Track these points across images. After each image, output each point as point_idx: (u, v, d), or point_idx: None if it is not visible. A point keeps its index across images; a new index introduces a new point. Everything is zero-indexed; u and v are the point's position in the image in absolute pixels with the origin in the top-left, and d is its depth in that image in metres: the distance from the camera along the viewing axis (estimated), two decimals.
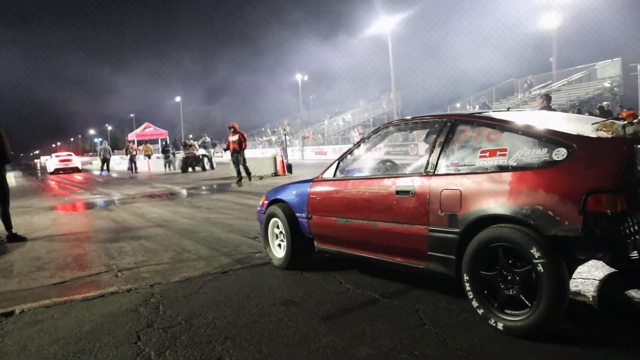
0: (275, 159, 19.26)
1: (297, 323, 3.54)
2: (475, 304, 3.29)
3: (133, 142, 39.42)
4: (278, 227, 5.12)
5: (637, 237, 2.89)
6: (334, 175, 4.58)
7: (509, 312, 3.15)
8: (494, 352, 2.93)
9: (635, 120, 3.06)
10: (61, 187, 20.56)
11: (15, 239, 7.46)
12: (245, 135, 16.78)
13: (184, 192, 14.80)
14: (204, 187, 15.99)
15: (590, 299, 3.80)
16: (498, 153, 3.34)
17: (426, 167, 3.71)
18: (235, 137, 16.05)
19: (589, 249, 2.93)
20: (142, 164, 32.18)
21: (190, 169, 26.60)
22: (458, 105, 39.79)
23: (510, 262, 3.14)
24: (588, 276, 4.23)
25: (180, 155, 28.08)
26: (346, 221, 4.30)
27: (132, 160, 30.07)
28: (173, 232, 7.62)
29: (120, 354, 3.21)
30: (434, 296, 3.89)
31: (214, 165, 27.59)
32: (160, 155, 31.78)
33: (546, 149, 3.11)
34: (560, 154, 3.04)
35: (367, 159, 4.60)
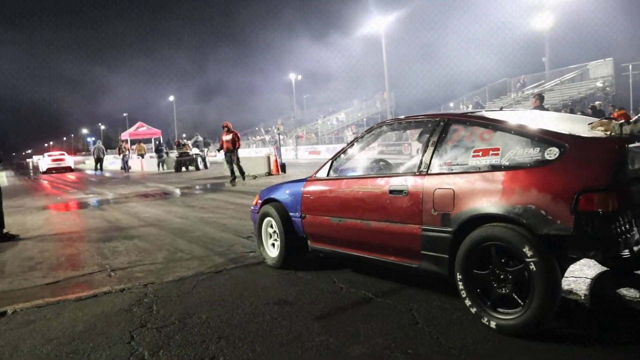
0: (269, 158, 19.24)
1: (291, 322, 3.54)
2: (468, 302, 3.30)
3: (126, 141, 39.26)
4: (272, 227, 5.12)
5: (629, 235, 2.92)
6: (328, 174, 4.59)
7: (501, 310, 3.17)
8: (486, 351, 2.95)
9: (632, 120, 3.09)
10: (54, 187, 20.46)
11: (6, 238, 7.42)
12: (239, 134, 16.75)
13: (178, 191, 14.76)
14: (197, 187, 15.96)
15: (582, 297, 3.82)
16: (491, 152, 3.35)
17: (419, 167, 3.72)
18: (229, 137, 16.02)
19: (581, 247, 2.95)
20: (135, 163, 32.07)
21: (183, 169, 26.52)
22: (451, 104, 39.89)
23: (503, 261, 3.16)
24: (580, 275, 4.26)
25: (174, 154, 27.99)
26: (340, 220, 4.31)
27: (125, 160, 29.97)
28: (167, 231, 7.60)
29: (114, 354, 3.20)
30: (427, 295, 3.91)
31: (208, 164, 27.53)
32: (154, 154, 31.67)
33: (538, 148, 3.13)
34: (552, 153, 3.06)
35: (360, 159, 4.61)
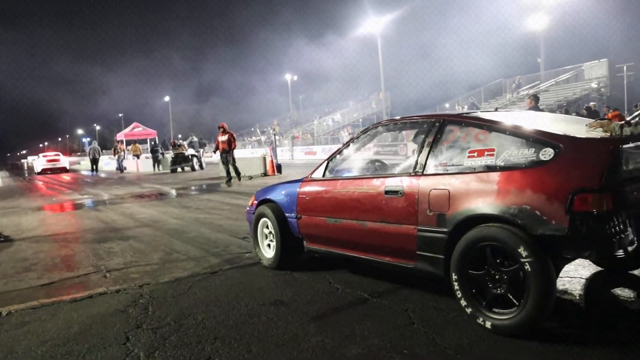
0: (264, 159, 19.23)
1: (287, 323, 3.54)
2: (463, 303, 3.31)
3: (121, 142, 39.15)
4: (267, 227, 5.12)
5: (623, 236, 2.93)
6: (323, 175, 4.59)
7: (496, 310, 3.18)
8: (482, 351, 2.95)
9: (633, 122, 3.10)
10: (49, 188, 20.39)
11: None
12: (234, 135, 16.73)
13: (173, 192, 14.74)
14: (193, 187, 15.94)
15: (577, 297, 3.84)
16: (486, 153, 3.36)
17: (415, 167, 3.72)
18: (224, 137, 16.00)
19: (576, 247, 2.96)
20: (131, 164, 31.98)
21: (179, 169, 26.47)
22: (447, 105, 40.00)
23: (498, 261, 3.17)
24: (575, 275, 4.27)
25: (170, 155, 27.93)
26: (335, 221, 4.31)
27: (120, 161, 29.89)
28: (162, 232, 7.59)
29: (109, 355, 3.20)
30: (423, 295, 3.91)
31: (203, 165, 27.48)
32: (149, 155, 31.59)
33: (533, 149, 3.14)
34: (547, 154, 3.07)
35: (356, 159, 4.61)
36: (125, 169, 30.21)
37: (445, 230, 3.41)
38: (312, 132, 48.60)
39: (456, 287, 3.34)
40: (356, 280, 4.46)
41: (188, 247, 6.36)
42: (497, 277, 3.18)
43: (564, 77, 34.06)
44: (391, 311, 3.66)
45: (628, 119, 3.19)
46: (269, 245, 5.15)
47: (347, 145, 4.62)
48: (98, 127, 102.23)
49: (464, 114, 3.91)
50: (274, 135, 31.92)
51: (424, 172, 3.65)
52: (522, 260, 2.97)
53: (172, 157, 26.82)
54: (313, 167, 4.81)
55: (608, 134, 3.14)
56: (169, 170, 26.50)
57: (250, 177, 17.51)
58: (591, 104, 21.24)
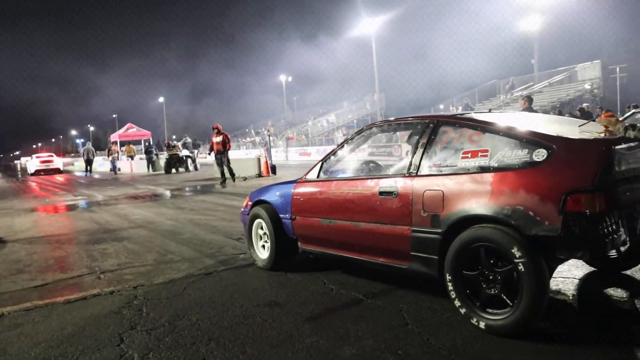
0: (259, 160, 19.22)
1: (281, 324, 3.55)
2: (457, 303, 3.32)
3: (115, 143, 39.03)
4: (262, 228, 5.12)
5: (615, 236, 2.95)
6: (318, 176, 4.59)
7: (490, 311, 3.19)
8: (476, 351, 2.96)
9: (639, 125, 3.13)
10: (42, 189, 20.29)
11: None
12: (229, 136, 16.72)
13: (168, 193, 14.71)
14: (187, 188, 15.91)
15: (570, 297, 3.86)
16: (480, 154, 3.37)
17: (409, 168, 3.73)
18: (219, 138, 15.98)
19: (569, 248, 2.98)
20: (125, 165, 31.89)
21: (173, 170, 26.43)
22: (441, 106, 40.06)
23: (491, 261, 3.18)
24: (568, 275, 4.29)
25: (164, 156, 27.87)
26: (330, 222, 4.32)
27: (113, 162, 29.80)
28: (156, 233, 7.57)
29: (103, 356, 3.19)
30: (417, 296, 3.92)
31: (198, 166, 27.44)
32: (143, 156, 31.51)
33: (527, 149, 3.16)
34: (540, 154, 3.09)
35: (350, 160, 4.62)
36: (119, 170, 30.11)
37: (439, 231, 3.42)
38: (307, 133, 48.62)
39: (450, 287, 3.35)
40: (351, 281, 4.46)
41: (182, 248, 6.35)
42: (490, 277, 3.19)
43: (557, 79, 34.21)
44: (385, 312, 3.66)
45: (621, 118, 3.22)
46: (263, 246, 5.15)
47: (341, 146, 4.62)
48: (92, 128, 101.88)
49: (458, 115, 3.93)
50: (269, 136, 31.84)
51: (418, 173, 3.66)
52: (516, 260, 2.99)
53: (167, 158, 26.77)
54: (307, 168, 4.81)
55: (605, 133, 3.18)
56: (163, 171, 26.44)
57: (245, 178, 17.49)
58: (584, 105, 21.34)
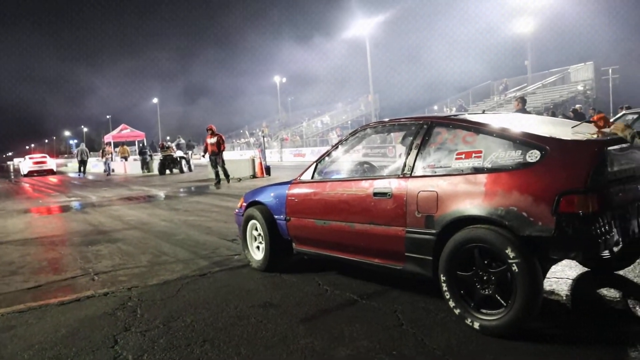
0: (253, 161, 19.20)
1: (276, 325, 3.55)
2: (452, 304, 3.34)
3: (109, 144, 38.88)
4: (256, 230, 5.12)
5: (608, 236, 2.97)
6: (312, 177, 4.59)
7: (484, 311, 3.20)
8: (470, 351, 2.97)
9: None
10: (35, 190, 20.19)
11: None
12: (223, 137, 16.68)
13: (162, 194, 14.67)
14: (181, 190, 15.87)
15: (564, 297, 3.88)
16: (473, 155, 3.39)
17: (403, 169, 3.74)
18: (213, 140, 15.95)
19: (562, 248, 2.99)
20: (119, 166, 31.78)
21: (167, 171, 26.35)
22: (435, 107, 40.15)
23: (486, 262, 3.20)
24: (561, 275, 4.32)
25: (158, 157, 27.79)
26: (324, 223, 4.32)
27: (107, 163, 29.70)
28: (151, 234, 7.55)
29: (97, 358, 3.18)
30: (412, 297, 3.93)
31: (192, 167, 27.39)
32: (137, 157, 31.42)
33: (520, 151, 3.17)
34: (533, 155, 3.10)
35: (345, 161, 4.62)
36: (113, 171, 30.01)
37: (434, 231, 3.43)
38: (301, 134, 48.62)
39: (445, 288, 3.36)
40: (345, 282, 4.47)
41: (177, 249, 6.33)
42: (485, 278, 3.21)
43: (550, 80, 34.36)
44: (380, 312, 3.67)
45: (612, 119, 3.25)
46: (258, 248, 5.14)
47: (335, 147, 4.63)
48: (85, 129, 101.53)
49: (452, 116, 3.94)
50: (263, 137, 31.85)
51: (412, 174, 3.67)
52: (510, 261, 3.00)
53: (161, 159, 26.70)
54: (302, 169, 4.81)
55: (598, 134, 3.21)
56: (157, 172, 26.37)
57: (239, 179, 17.47)
58: (577, 106, 21.46)
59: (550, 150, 3.07)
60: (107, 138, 44.24)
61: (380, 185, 3.86)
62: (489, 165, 3.27)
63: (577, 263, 4.42)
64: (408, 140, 3.95)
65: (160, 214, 9.89)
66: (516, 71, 39.16)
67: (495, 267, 3.15)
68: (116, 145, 39.13)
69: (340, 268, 4.78)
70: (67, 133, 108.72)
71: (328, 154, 4.63)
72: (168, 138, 57.60)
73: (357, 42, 42.85)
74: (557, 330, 3.24)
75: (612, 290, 3.98)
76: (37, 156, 37.91)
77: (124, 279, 5.03)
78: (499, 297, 3.14)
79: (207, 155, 16.69)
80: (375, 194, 3.86)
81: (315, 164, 4.65)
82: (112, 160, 30.83)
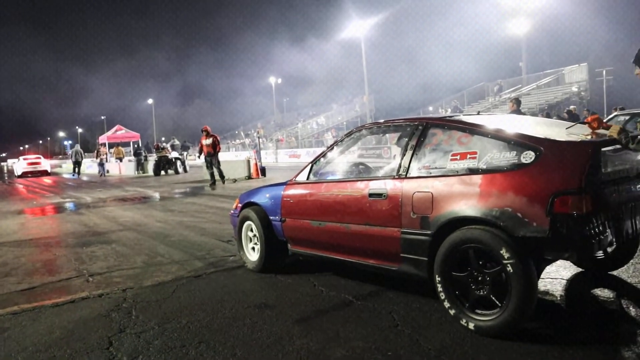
0: (249, 162, 19.19)
1: (272, 326, 3.54)
2: (447, 304, 3.34)
3: (104, 145, 38.74)
4: (252, 231, 5.11)
5: (602, 237, 2.99)
6: (308, 178, 4.60)
7: (479, 312, 3.21)
8: (465, 352, 2.98)
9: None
10: (30, 191, 20.10)
11: None
12: (218, 138, 16.66)
13: (157, 195, 14.64)
14: (177, 191, 15.84)
15: (558, 298, 3.89)
16: (468, 156, 3.40)
17: (398, 170, 3.75)
18: (209, 141, 15.92)
19: (556, 249, 3.00)
20: (113, 167, 31.69)
21: (162, 172, 26.30)
22: (431, 108, 40.25)
23: (480, 263, 3.20)
24: (556, 276, 4.33)
25: (153, 158, 27.74)
26: (320, 224, 4.32)
27: (101, 164, 29.61)
28: (145, 236, 7.53)
29: None
30: (407, 297, 3.94)
31: (187, 168, 27.35)
32: (132, 158, 31.34)
33: (515, 152, 3.18)
34: (528, 156, 3.12)
35: (340, 162, 4.62)
36: (107, 172, 29.92)
37: (429, 232, 3.43)
38: (296, 135, 48.59)
39: (440, 288, 3.37)
40: (341, 282, 4.47)
41: (172, 250, 6.32)
42: (479, 278, 3.21)
43: (545, 81, 34.49)
44: (375, 313, 3.68)
45: (604, 120, 3.27)
46: (253, 249, 5.14)
47: (331, 148, 4.63)
48: (80, 130, 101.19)
49: (447, 117, 3.95)
50: (258, 138, 31.85)
51: (408, 175, 3.67)
52: (504, 261, 3.01)
53: (156, 160, 26.64)
54: (297, 170, 4.81)
55: (592, 135, 3.23)
56: (152, 174, 26.31)
57: (235, 180, 17.45)
58: (571, 107, 21.55)
59: (544, 151, 3.08)
60: (102, 139, 44.02)
61: (375, 186, 3.86)
62: (484, 166, 3.28)
63: (571, 263, 4.43)
64: (403, 141, 3.96)
65: (155, 215, 9.87)
66: (511, 72, 39.39)
67: (490, 267, 3.16)
68: (111, 146, 38.97)
69: (335, 269, 4.78)
70: (61, 134, 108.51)
71: (323, 155, 4.64)
72: (163, 139, 57.45)
73: (353, 43, 42.96)
74: (552, 331, 3.25)
75: (606, 290, 3.99)
76: (32, 157, 37.78)
77: (119, 280, 5.01)
78: (493, 298, 3.15)
79: (202, 157, 16.67)
80: (370, 195, 3.86)
81: (310, 165, 4.65)
82: (106, 161, 30.74)
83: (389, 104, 50.46)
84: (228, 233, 6.95)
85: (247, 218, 5.13)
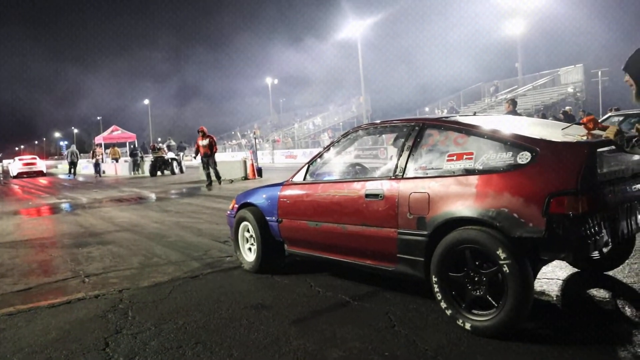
0: (245, 162, 19.17)
1: (268, 326, 3.54)
2: (443, 305, 3.35)
3: (100, 145, 38.66)
4: (248, 231, 5.11)
5: (598, 237, 3.00)
6: (304, 178, 4.60)
7: (476, 312, 3.22)
8: (461, 352, 2.99)
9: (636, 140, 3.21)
10: (25, 192, 20.03)
11: None
12: (215, 138, 16.65)
13: (153, 196, 14.61)
14: (173, 191, 15.81)
15: (554, 298, 3.90)
16: (465, 157, 3.40)
17: (395, 171, 3.75)
18: (205, 142, 15.91)
19: (553, 249, 3.01)
20: (109, 167, 31.62)
21: (159, 173, 26.25)
22: (427, 109, 40.33)
23: (477, 263, 3.21)
24: (552, 276, 4.34)
25: (149, 158, 27.70)
26: (316, 224, 4.32)
27: (97, 164, 29.54)
28: (142, 236, 7.52)
29: None
30: (404, 298, 3.94)
31: (183, 169, 27.31)
32: (128, 158, 31.29)
33: (511, 152, 3.19)
34: (524, 157, 3.12)
35: (336, 163, 4.63)
36: (103, 172, 29.85)
37: (425, 233, 3.44)
38: (293, 135, 48.59)
39: (436, 289, 3.38)
40: (337, 283, 4.47)
41: (168, 251, 6.31)
42: (476, 279, 3.22)
43: (541, 82, 34.59)
44: (372, 314, 3.68)
45: (599, 120, 3.28)
46: (250, 249, 5.14)
47: (327, 149, 4.63)
48: (76, 131, 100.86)
49: (443, 118, 3.96)
50: (255, 138, 31.84)
51: (404, 176, 3.68)
52: (501, 262, 3.02)
53: (152, 161, 26.59)
54: (294, 171, 4.81)
55: (588, 136, 3.24)
56: (148, 174, 26.26)
57: (231, 181, 17.44)
58: (567, 108, 21.62)
59: (540, 151, 3.09)
60: (98, 139, 43.94)
61: (372, 186, 3.87)
62: (480, 167, 3.29)
63: (567, 264, 4.45)
64: (400, 141, 3.96)
65: (152, 216, 9.85)
66: (507, 73, 39.50)
67: (486, 268, 3.17)
68: (107, 146, 38.89)
69: (332, 269, 4.78)
70: (57, 134, 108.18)
71: (320, 155, 4.64)
72: (159, 139, 57.42)
73: (349, 44, 42.98)
74: (548, 331, 3.26)
75: (602, 290, 4.01)
76: (27, 157, 37.63)
77: (115, 281, 5.00)
78: (490, 298, 3.16)
79: (198, 157, 16.65)
80: (367, 196, 3.87)
81: (307, 165, 4.65)
82: (102, 161, 30.66)
83: (386, 104, 50.58)
84: (225, 234, 6.95)
85: (243, 219, 5.13)
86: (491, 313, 3.12)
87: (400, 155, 3.79)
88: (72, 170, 29.84)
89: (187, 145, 41.27)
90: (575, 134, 3.43)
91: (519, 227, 3.00)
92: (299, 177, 4.65)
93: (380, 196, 3.76)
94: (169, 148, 28.82)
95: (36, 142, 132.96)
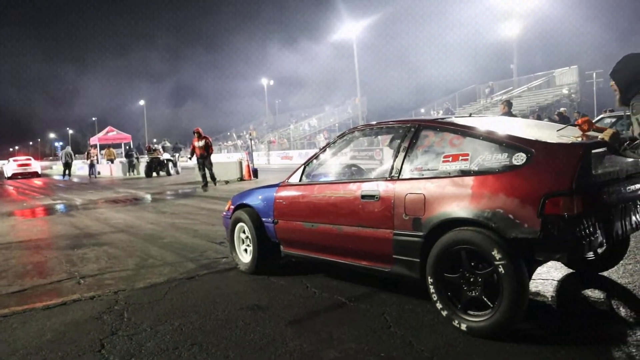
0: (241, 163, 19.17)
1: (264, 328, 3.54)
2: (439, 305, 3.36)
3: (95, 146, 38.53)
4: (244, 232, 5.11)
5: (592, 238, 3.01)
6: (300, 179, 4.60)
7: (471, 313, 3.23)
8: (457, 352, 2.99)
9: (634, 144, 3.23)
10: (20, 193, 19.95)
11: None
12: (210, 139, 16.64)
13: (149, 197, 14.57)
14: (168, 192, 15.79)
15: (549, 299, 3.92)
16: (460, 158, 3.41)
17: (391, 172, 3.76)
18: (201, 143, 15.89)
19: (547, 250, 3.02)
20: (105, 168, 31.53)
21: (154, 174, 26.20)
22: (422, 110, 40.42)
23: (472, 264, 3.22)
24: (547, 277, 4.36)
25: (145, 159, 27.64)
26: (312, 225, 4.33)
27: (92, 165, 29.45)
28: (137, 237, 7.50)
29: None
30: (400, 299, 3.95)
31: (179, 170, 27.27)
32: (124, 159, 31.20)
33: (506, 153, 3.21)
34: (519, 158, 3.14)
35: (332, 164, 4.63)
36: (99, 173, 29.76)
37: (421, 234, 3.45)
38: (289, 136, 48.59)
39: (432, 290, 3.38)
40: (333, 284, 4.47)
41: (164, 252, 6.30)
42: (471, 279, 3.23)
43: (536, 83, 34.72)
44: (368, 315, 3.68)
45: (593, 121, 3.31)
46: (245, 250, 5.13)
47: (323, 150, 4.64)
48: (71, 131, 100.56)
49: (439, 119, 3.97)
50: (250, 139, 31.85)
51: (400, 177, 3.69)
52: (496, 263, 3.03)
53: (147, 162, 26.53)
54: (289, 172, 4.82)
55: (583, 137, 3.26)
56: (143, 175, 26.20)
57: (227, 182, 17.43)
58: (562, 109, 21.67)
59: (535, 153, 3.10)
60: (93, 140, 43.74)
61: (367, 187, 3.87)
62: (476, 168, 3.30)
63: (562, 265, 4.46)
64: (395, 143, 3.97)
65: (147, 217, 9.83)
66: (502, 74, 39.67)
67: (481, 269, 3.18)
68: (102, 147, 38.75)
69: (328, 270, 4.79)
70: (52, 135, 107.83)
71: (316, 156, 4.64)
72: (155, 140, 57.27)
73: (345, 45, 43.03)
74: (543, 331, 3.27)
75: (597, 291, 4.03)
76: (22, 158, 37.45)
77: (111, 282, 4.99)
78: (485, 299, 3.17)
79: (194, 158, 16.63)
80: (363, 197, 3.87)
81: (303, 166, 4.65)
82: (97, 162, 30.57)
83: (381, 105, 50.68)
84: (220, 235, 6.94)
85: (239, 220, 5.13)
86: (487, 314, 3.13)
87: (396, 157, 3.80)
88: (67, 171, 29.74)
89: (183, 146, 41.22)
90: (570, 135, 3.44)
91: (514, 228, 3.01)
92: (295, 178, 4.65)
93: (376, 197, 3.76)
94: (165, 149, 28.78)
95: (31, 143, 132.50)
